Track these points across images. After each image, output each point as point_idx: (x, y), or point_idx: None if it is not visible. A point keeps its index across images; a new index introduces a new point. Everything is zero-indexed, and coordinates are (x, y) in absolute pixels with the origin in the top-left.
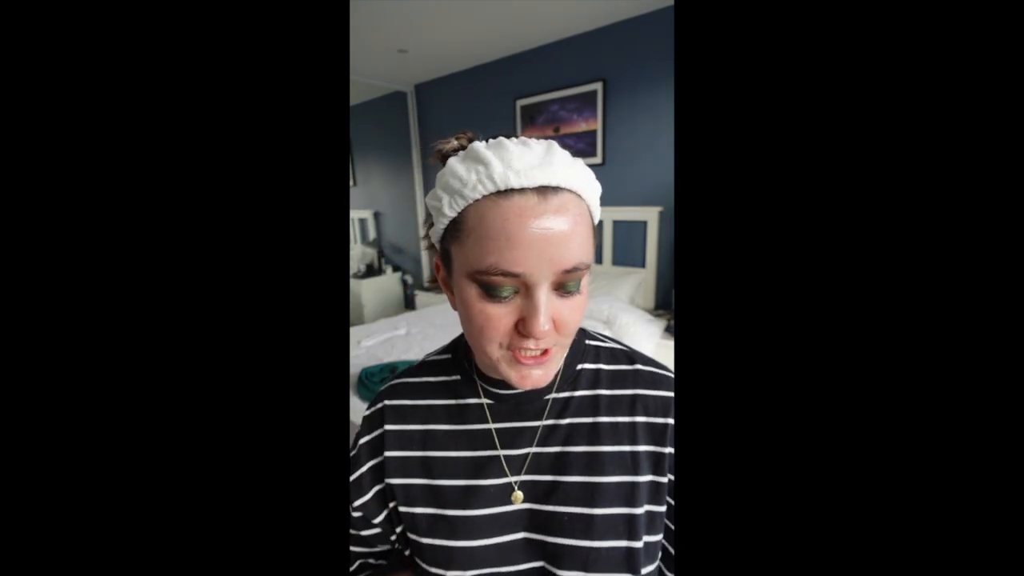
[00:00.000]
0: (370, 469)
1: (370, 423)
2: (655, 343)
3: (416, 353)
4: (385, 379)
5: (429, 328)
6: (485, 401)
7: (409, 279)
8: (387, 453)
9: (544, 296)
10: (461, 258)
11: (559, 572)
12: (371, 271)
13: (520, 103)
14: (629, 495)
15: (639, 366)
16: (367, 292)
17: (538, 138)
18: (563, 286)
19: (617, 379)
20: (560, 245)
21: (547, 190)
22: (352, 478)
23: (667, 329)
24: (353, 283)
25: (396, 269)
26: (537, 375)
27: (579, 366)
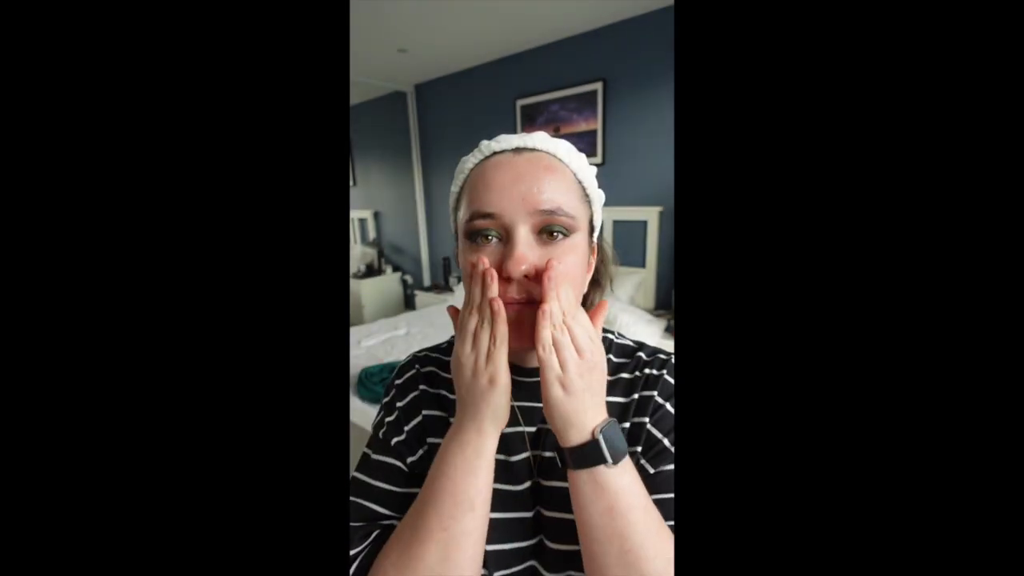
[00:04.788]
0: (414, 427)
1: (403, 389)
2: (655, 343)
3: None
4: (385, 379)
5: (429, 328)
6: None
7: (409, 279)
8: (425, 412)
9: (522, 236)
10: (460, 223)
11: (553, 545)
12: (371, 271)
13: (520, 103)
14: None
15: (640, 354)
16: (367, 292)
17: None
18: (544, 230)
19: (620, 368)
20: (531, 184)
21: (522, 149)
22: (400, 439)
23: (667, 329)
24: (353, 283)
25: (396, 269)
26: (514, 333)
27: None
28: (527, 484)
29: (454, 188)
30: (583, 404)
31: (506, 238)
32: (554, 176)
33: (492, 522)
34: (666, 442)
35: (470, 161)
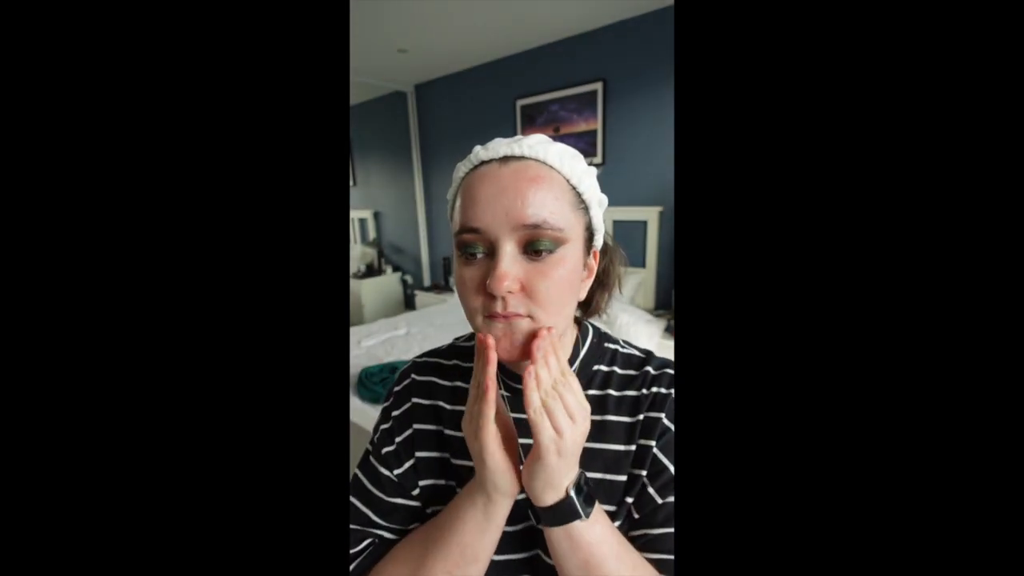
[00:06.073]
0: (404, 440)
1: (399, 399)
2: (655, 343)
3: (416, 353)
4: (385, 379)
5: (429, 328)
6: (504, 393)
7: (409, 279)
8: (416, 426)
9: (507, 252)
10: (453, 232)
11: (549, 560)
12: (371, 271)
13: (520, 103)
14: (613, 492)
15: (648, 368)
16: (367, 292)
17: None
18: (530, 246)
19: (626, 382)
20: (515, 198)
21: (510, 158)
22: (389, 449)
23: (667, 329)
24: (353, 283)
25: (396, 269)
26: (504, 345)
27: (595, 367)
28: (522, 495)
29: (449, 195)
30: (569, 467)
31: (491, 253)
32: (541, 187)
33: None
34: (673, 470)
35: (461, 169)
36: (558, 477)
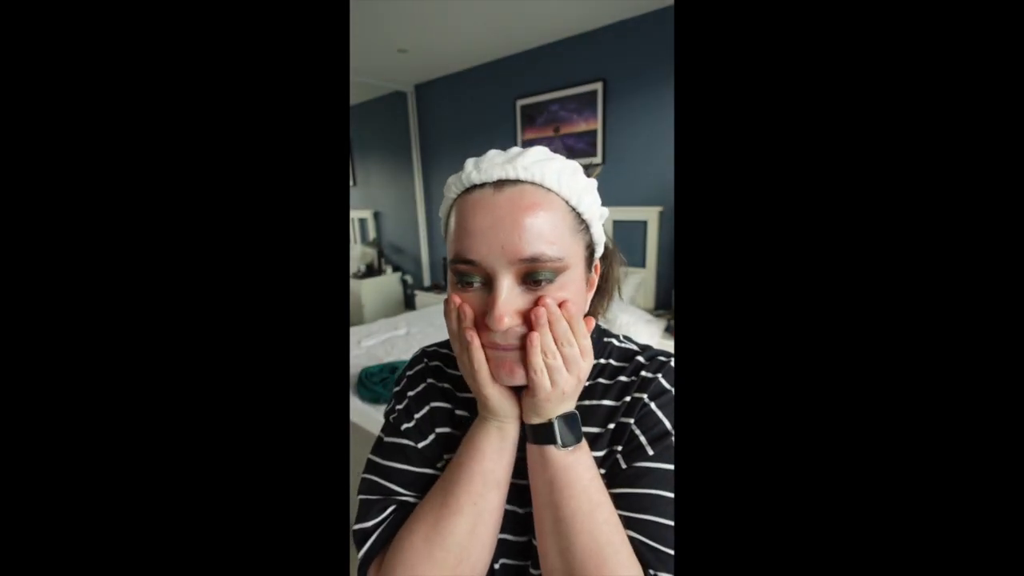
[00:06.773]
0: (423, 417)
1: (413, 380)
2: (655, 343)
3: None
4: (385, 379)
5: (429, 328)
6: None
7: (409, 279)
8: (432, 404)
9: (505, 286)
10: (448, 253)
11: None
12: (371, 271)
13: (520, 103)
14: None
15: (639, 357)
16: (367, 292)
17: (538, 139)
18: (529, 277)
19: (617, 372)
20: (511, 231)
21: (504, 183)
22: (409, 425)
23: (667, 329)
24: (353, 283)
25: (396, 269)
26: (506, 370)
27: (594, 360)
28: (524, 481)
29: (441, 213)
30: (553, 402)
31: (488, 283)
32: (537, 215)
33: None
34: (643, 439)
35: (453, 188)
36: (543, 409)
